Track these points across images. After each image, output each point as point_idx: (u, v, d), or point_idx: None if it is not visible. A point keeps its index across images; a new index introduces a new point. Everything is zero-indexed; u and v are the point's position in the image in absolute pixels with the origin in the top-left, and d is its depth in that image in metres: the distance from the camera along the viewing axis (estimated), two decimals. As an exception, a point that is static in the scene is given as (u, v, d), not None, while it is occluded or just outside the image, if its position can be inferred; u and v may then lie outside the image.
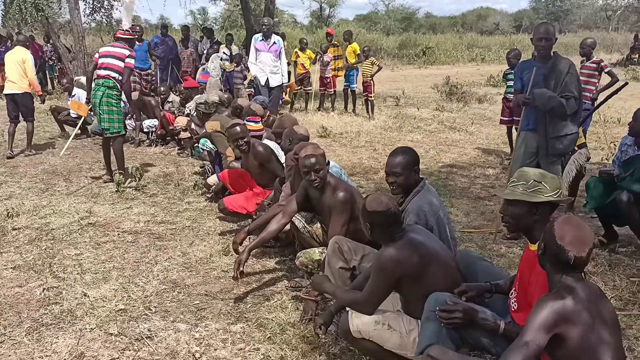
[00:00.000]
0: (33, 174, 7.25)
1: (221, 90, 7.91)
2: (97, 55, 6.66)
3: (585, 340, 1.99)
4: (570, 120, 4.56)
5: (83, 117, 8.23)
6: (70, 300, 3.78)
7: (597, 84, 7.21)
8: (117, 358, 3.12)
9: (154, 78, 12.40)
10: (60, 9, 18.22)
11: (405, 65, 28.07)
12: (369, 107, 11.55)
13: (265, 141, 5.35)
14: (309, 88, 12.64)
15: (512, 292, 2.68)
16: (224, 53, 11.81)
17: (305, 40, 12.84)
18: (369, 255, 3.28)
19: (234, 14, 31.29)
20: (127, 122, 8.45)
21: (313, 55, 12.42)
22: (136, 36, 7.32)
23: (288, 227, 3.88)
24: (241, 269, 3.56)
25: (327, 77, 12.15)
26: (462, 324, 2.45)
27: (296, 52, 12.50)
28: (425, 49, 30.27)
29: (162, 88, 9.85)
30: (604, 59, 7.61)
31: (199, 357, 3.12)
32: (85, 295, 3.84)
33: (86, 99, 7.00)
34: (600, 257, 4.41)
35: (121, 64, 6.48)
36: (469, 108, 12.93)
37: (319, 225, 3.82)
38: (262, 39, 8.94)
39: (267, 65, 8.95)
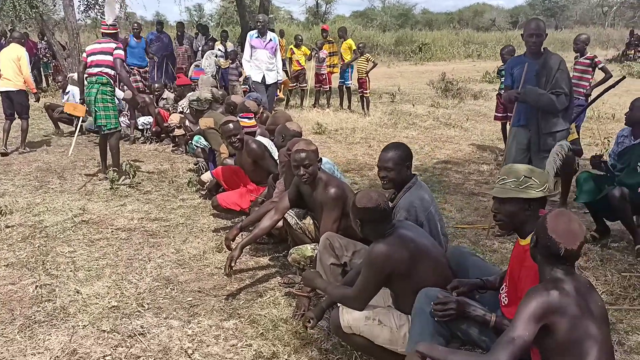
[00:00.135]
0: (27, 172, 7.24)
1: (215, 87, 7.90)
2: (84, 55, 6.64)
3: (573, 332, 2.00)
4: (562, 117, 4.58)
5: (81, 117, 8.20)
6: (63, 297, 3.78)
7: (591, 80, 7.23)
8: (110, 355, 3.12)
9: (150, 75, 12.39)
10: (54, 6, 18.17)
11: (401, 62, 28.08)
12: (365, 103, 11.56)
13: (259, 138, 5.35)
14: (305, 85, 12.63)
15: (502, 288, 2.69)
16: (219, 50, 11.81)
17: (300, 37, 12.85)
18: (360, 251, 3.29)
19: (230, 11, 31.22)
20: (121, 119, 8.44)
21: (308, 52, 12.42)
22: (119, 30, 7.29)
23: (281, 223, 3.89)
24: (233, 264, 3.57)
25: (323, 74, 12.14)
26: (456, 315, 2.47)
27: (291, 48, 12.50)
28: (422, 46, 30.29)
29: (156, 85, 9.84)
30: (600, 55, 7.65)
31: (192, 354, 3.13)
32: (78, 292, 3.84)
33: (80, 99, 6.98)
34: (593, 252, 4.43)
35: (111, 58, 6.48)
36: (465, 104, 12.95)
37: (311, 221, 3.83)
38: (258, 36, 8.92)
39: (263, 62, 8.93)
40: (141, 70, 12.02)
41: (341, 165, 7.27)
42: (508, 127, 7.02)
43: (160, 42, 12.82)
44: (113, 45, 6.53)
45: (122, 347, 3.20)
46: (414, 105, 12.58)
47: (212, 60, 11.32)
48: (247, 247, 4.19)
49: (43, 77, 16.90)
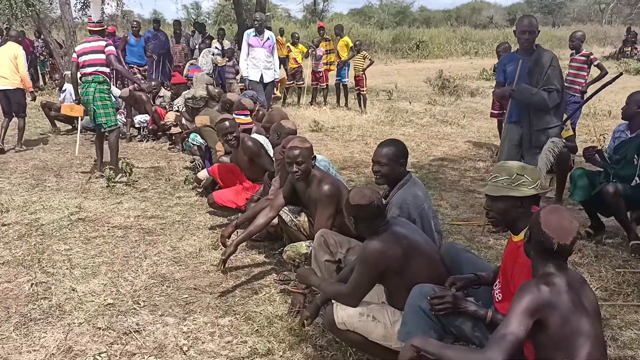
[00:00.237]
0: (23, 170, 7.24)
1: (211, 84, 7.90)
2: (75, 55, 6.62)
3: (566, 326, 2.02)
4: (554, 114, 4.59)
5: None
6: (59, 295, 3.79)
7: (587, 77, 7.25)
8: (105, 352, 3.13)
9: (149, 73, 12.37)
10: (51, 4, 18.16)
11: (398, 59, 28.09)
12: (361, 101, 11.56)
13: (255, 135, 5.36)
14: (301, 82, 12.63)
15: (496, 284, 2.71)
16: (216, 48, 11.79)
17: (297, 35, 12.84)
18: (354, 248, 3.30)
19: (227, 9, 31.16)
20: (118, 117, 8.43)
21: (305, 50, 12.41)
22: (105, 27, 7.28)
23: (276, 220, 3.90)
24: (225, 258, 3.60)
25: (320, 72, 12.15)
26: (453, 309, 2.48)
27: (288, 46, 12.49)
28: (419, 43, 30.31)
29: (153, 83, 9.83)
30: (597, 52, 7.67)
31: (187, 351, 3.14)
32: (73, 290, 3.85)
33: (75, 99, 6.98)
34: (587, 248, 4.45)
35: (103, 56, 6.50)
36: (461, 102, 12.97)
37: (306, 218, 3.84)
38: (255, 35, 8.89)
39: (260, 61, 8.91)
40: (141, 68, 12.01)
41: (338, 163, 7.29)
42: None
43: (157, 40, 12.78)
44: (103, 43, 6.54)
45: (118, 344, 3.21)
46: (410, 102, 12.59)
47: (208, 59, 11.31)
48: (243, 244, 4.21)
49: (40, 76, 16.87)
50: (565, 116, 5.43)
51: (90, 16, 7.05)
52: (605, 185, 4.30)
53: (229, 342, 3.22)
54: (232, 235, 3.99)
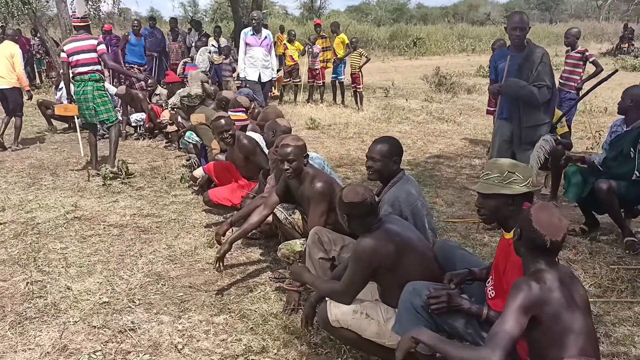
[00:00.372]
0: (19, 169, 7.23)
1: (207, 82, 7.88)
2: (64, 55, 6.54)
3: (558, 322, 2.04)
4: (544, 110, 4.60)
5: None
6: (54, 293, 3.80)
7: (582, 74, 7.26)
8: (100, 350, 3.14)
9: (148, 71, 12.35)
10: (47, 2, 18.09)
11: (395, 57, 28.08)
12: (358, 98, 11.56)
13: (250, 133, 5.36)
14: (298, 80, 12.62)
15: (489, 280, 2.72)
16: (213, 45, 11.76)
17: (293, 32, 12.83)
18: (348, 245, 3.31)
19: (223, 6, 31.08)
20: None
21: (301, 47, 12.40)
22: (90, 22, 7.25)
23: (270, 218, 3.91)
24: (220, 256, 3.61)
25: (316, 69, 12.15)
26: (448, 307, 2.49)
27: (285, 44, 12.48)
28: (416, 40, 30.29)
29: (149, 81, 9.82)
30: (594, 49, 7.68)
31: (182, 349, 3.15)
32: (69, 288, 3.86)
33: (68, 98, 6.97)
34: (582, 245, 4.46)
35: (95, 55, 6.52)
36: (458, 99, 12.98)
37: (300, 216, 3.85)
38: (253, 34, 8.87)
39: (258, 60, 8.89)
40: (141, 68, 11.99)
41: (334, 160, 7.29)
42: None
43: (153, 38, 12.76)
44: (94, 42, 6.55)
45: (113, 342, 3.22)
46: (407, 100, 12.59)
47: (205, 57, 11.29)
48: (238, 242, 4.21)
49: (36, 74, 16.84)
50: (559, 113, 5.44)
51: (74, 12, 6.99)
52: (598, 182, 4.30)
53: (223, 340, 3.23)
54: (227, 233, 4.00)
